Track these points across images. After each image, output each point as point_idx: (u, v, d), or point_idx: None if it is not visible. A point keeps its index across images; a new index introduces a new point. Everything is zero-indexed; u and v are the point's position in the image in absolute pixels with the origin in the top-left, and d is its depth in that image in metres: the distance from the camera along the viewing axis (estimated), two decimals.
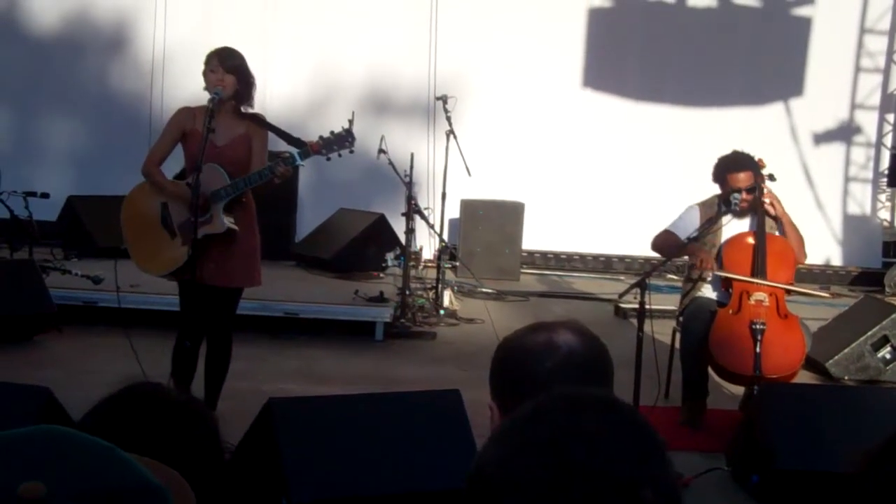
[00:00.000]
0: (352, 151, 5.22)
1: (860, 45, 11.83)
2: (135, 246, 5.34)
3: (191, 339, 5.18)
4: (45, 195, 9.21)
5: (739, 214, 5.97)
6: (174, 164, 5.39)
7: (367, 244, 9.60)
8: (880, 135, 12.00)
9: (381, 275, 9.38)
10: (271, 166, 5.04)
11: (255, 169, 5.14)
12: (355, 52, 11.09)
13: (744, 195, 5.84)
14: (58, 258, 8.89)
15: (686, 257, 6.25)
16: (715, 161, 6.05)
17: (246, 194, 5.20)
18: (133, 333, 6.57)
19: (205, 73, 5.15)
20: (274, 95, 10.77)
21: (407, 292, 8.38)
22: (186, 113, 5.26)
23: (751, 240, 5.90)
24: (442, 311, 8.64)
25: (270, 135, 5.35)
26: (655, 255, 6.36)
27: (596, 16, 11.57)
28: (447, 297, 8.94)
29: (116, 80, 11.08)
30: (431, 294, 8.86)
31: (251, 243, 5.30)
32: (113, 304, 7.45)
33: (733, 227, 6.01)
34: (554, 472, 1.03)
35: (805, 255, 6.07)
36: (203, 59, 5.22)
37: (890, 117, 12.07)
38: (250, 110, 5.29)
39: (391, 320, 7.98)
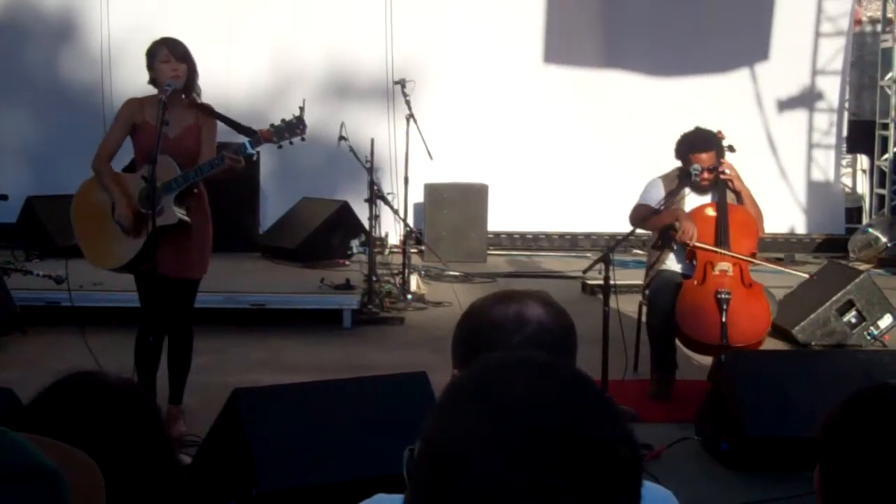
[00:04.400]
0: (303, 139, 5.22)
1: (820, 9, 11.74)
2: (86, 241, 5.31)
3: (153, 333, 5.15)
4: (3, 197, 9.12)
5: (700, 190, 5.99)
6: (124, 155, 5.34)
7: (331, 232, 9.56)
8: (843, 100, 11.96)
9: (347, 262, 9.35)
10: (221, 155, 5.02)
11: (205, 159, 5.12)
12: (313, 38, 11.03)
13: (705, 174, 5.86)
14: (19, 259, 8.80)
15: (650, 231, 6.25)
16: (678, 137, 6.05)
17: (198, 185, 5.17)
18: (97, 331, 6.55)
19: (154, 66, 5.09)
20: (234, 83, 10.69)
21: (374, 278, 8.35)
22: (135, 104, 5.23)
23: (713, 211, 5.92)
24: (409, 296, 8.61)
25: (228, 128, 5.32)
26: (620, 230, 6.36)
27: None
28: (414, 282, 8.92)
29: (67, 72, 10.88)
30: (398, 279, 8.84)
31: (205, 234, 5.27)
32: (76, 303, 7.43)
33: (694, 200, 6.03)
34: (530, 436, 1.01)
35: (762, 230, 6.11)
36: (148, 50, 5.17)
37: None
38: (199, 100, 5.24)
39: (359, 307, 7.95)
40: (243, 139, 5.09)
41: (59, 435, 1.17)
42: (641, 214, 6.01)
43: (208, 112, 5.24)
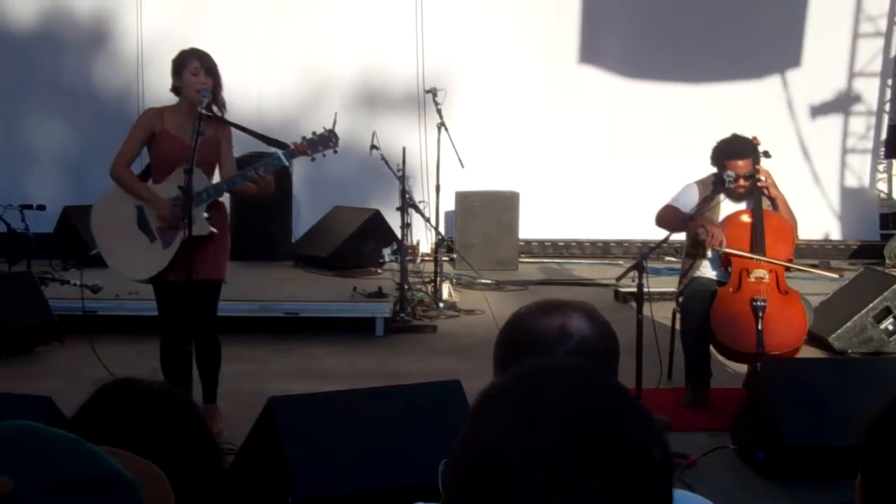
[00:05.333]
0: (335, 152, 5.25)
1: (859, 9, 11.55)
2: (110, 250, 5.31)
3: (184, 341, 5.17)
4: (41, 207, 9.23)
5: (736, 197, 5.93)
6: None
7: (363, 241, 9.59)
8: (881, 102, 11.75)
9: (379, 270, 9.37)
10: (255, 167, 5.06)
11: (226, 170, 5.21)
12: (344, 48, 11.06)
13: (741, 182, 5.81)
14: (56, 269, 8.88)
15: (683, 237, 6.21)
16: (714, 144, 6.00)
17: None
18: (136, 340, 6.61)
19: (181, 76, 5.12)
20: (266, 94, 10.76)
21: (406, 286, 8.36)
22: (153, 114, 5.28)
23: (748, 217, 5.88)
24: (441, 304, 8.62)
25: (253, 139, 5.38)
26: (653, 238, 6.32)
27: None
28: (446, 290, 8.93)
29: (102, 79, 10.96)
30: (430, 287, 8.84)
31: (223, 242, 5.31)
32: (113, 311, 7.51)
33: (729, 208, 5.99)
34: (563, 437, 1.02)
35: (797, 236, 6.06)
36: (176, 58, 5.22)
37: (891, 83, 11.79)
38: (221, 113, 5.27)
39: (391, 315, 7.96)
40: (275, 151, 5.13)
41: (109, 443, 1.18)
42: (666, 216, 5.97)
43: (227, 124, 5.29)
